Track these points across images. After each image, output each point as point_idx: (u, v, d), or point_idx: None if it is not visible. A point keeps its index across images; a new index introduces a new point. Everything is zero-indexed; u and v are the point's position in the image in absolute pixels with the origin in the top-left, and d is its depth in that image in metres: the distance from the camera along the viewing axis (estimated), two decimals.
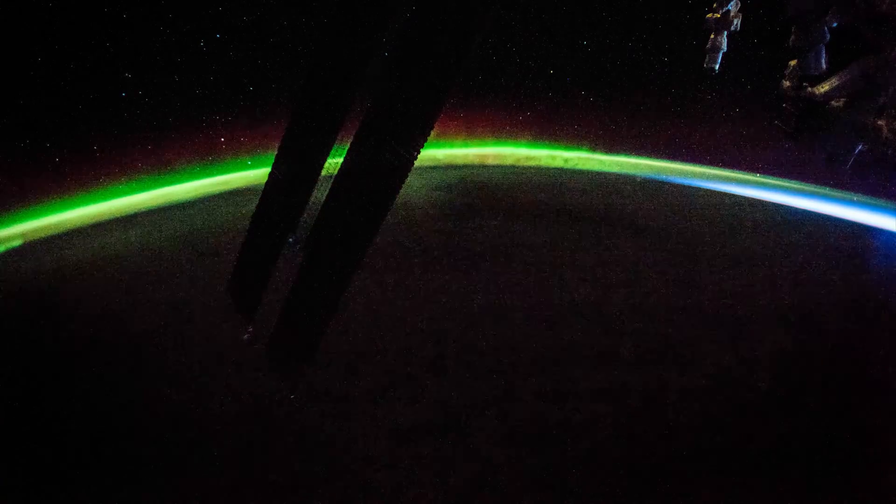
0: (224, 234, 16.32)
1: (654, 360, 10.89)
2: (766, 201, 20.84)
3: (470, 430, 9.05)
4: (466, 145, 24.34)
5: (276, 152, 5.13)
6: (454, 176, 22.57)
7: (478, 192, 20.83)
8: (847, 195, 19.48)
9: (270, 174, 5.11)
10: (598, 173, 23.64)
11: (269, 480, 8.12)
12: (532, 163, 24.49)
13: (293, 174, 4.84)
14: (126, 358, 11.04)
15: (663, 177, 23.04)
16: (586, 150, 23.88)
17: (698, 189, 22.09)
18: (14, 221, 16.61)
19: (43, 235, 16.75)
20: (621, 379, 10.30)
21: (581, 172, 23.79)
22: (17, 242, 16.22)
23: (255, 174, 19.97)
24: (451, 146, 24.03)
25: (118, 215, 18.07)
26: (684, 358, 10.98)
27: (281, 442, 8.71)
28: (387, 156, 3.98)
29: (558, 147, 24.22)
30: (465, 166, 24.09)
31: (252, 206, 5.38)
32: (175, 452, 8.72)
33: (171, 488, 8.12)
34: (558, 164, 24.30)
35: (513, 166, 24.45)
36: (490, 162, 24.56)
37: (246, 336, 4.86)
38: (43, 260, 15.56)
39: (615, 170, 23.65)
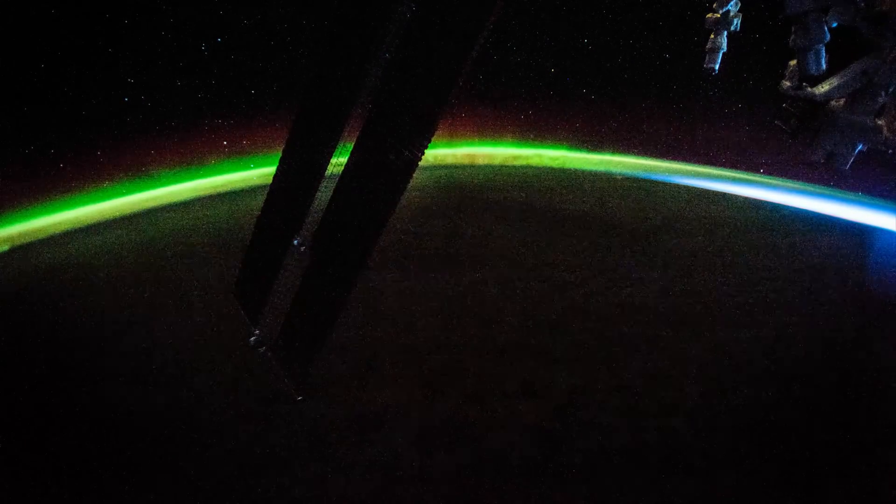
0: (227, 235, 16.38)
1: (585, 360, 10.94)
2: (749, 199, 20.80)
3: (389, 430, 9.14)
4: (457, 145, 24.39)
5: (279, 154, 5.16)
6: (432, 177, 22.58)
7: (448, 192, 20.87)
8: (847, 195, 19.50)
9: (275, 176, 5.14)
10: (583, 171, 23.62)
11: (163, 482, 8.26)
12: (520, 161, 24.51)
13: (298, 176, 4.86)
14: (125, 359, 11.06)
15: (646, 175, 22.97)
16: (575, 149, 23.88)
17: (683, 187, 22.05)
18: (6, 224, 16.63)
19: (43, 236, 16.77)
20: (549, 378, 10.36)
21: (565, 171, 23.78)
22: (4, 248, 16.21)
23: (257, 174, 20.03)
24: (442, 146, 24.05)
25: (119, 215, 18.11)
26: (617, 357, 11.01)
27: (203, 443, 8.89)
28: (391, 156, 4.01)
29: (548, 146, 24.25)
30: (453, 166, 24.13)
31: (255, 206, 5.43)
32: (170, 453, 8.79)
33: (161, 489, 8.20)
34: (545, 162, 24.33)
35: (500, 165, 24.48)
36: (480, 161, 24.59)
37: (252, 338, 4.88)
38: (39, 261, 15.59)
39: (601, 168, 23.62)
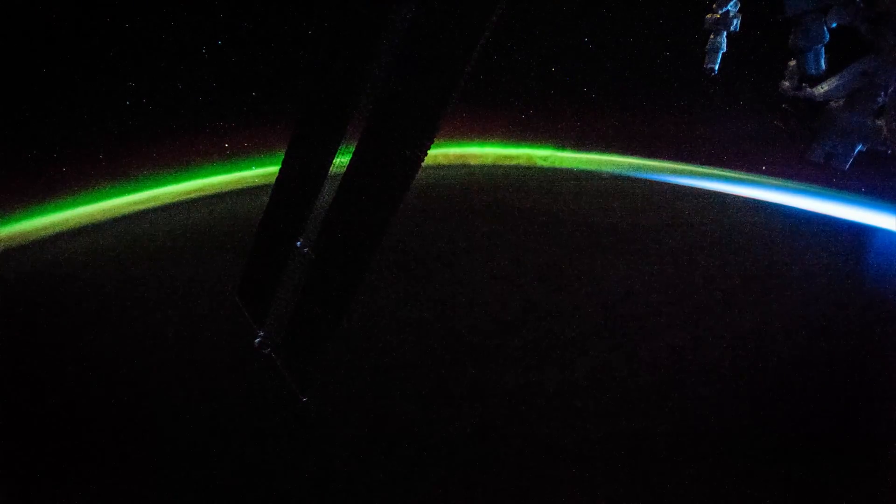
0: (229, 236, 16.30)
1: (537, 359, 10.86)
2: (746, 198, 20.57)
3: (330, 427, 9.17)
4: (449, 145, 24.26)
5: (281, 156, 5.18)
6: (420, 177, 22.20)
7: (428, 193, 20.58)
8: (847, 195, 19.48)
9: (277, 178, 5.16)
10: (571, 171, 23.22)
11: None
12: (510, 161, 24.36)
13: (300, 177, 4.88)
14: (126, 359, 11.04)
15: (636, 173, 22.69)
16: (565, 149, 23.65)
17: (675, 186, 21.62)
18: (7, 225, 16.59)
19: (43, 236, 16.74)
20: (497, 378, 10.33)
21: (553, 170, 23.37)
22: None
23: (258, 175, 20.01)
24: (434, 146, 23.83)
25: (119, 215, 18.08)
26: (569, 356, 10.91)
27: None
28: (393, 157, 4.03)
29: (539, 146, 24.04)
30: (445, 166, 23.93)
31: (257, 206, 5.45)
32: (170, 454, 8.83)
33: (161, 488, 8.25)
34: (536, 162, 24.12)
35: (491, 166, 24.27)
36: (472, 161, 24.43)
37: (257, 340, 4.89)
38: (39, 261, 15.56)
39: (590, 167, 23.31)
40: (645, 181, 22.17)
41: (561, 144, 23.23)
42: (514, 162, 24.50)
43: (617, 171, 22.91)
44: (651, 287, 13.41)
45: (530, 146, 24.15)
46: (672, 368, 10.56)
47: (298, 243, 4.68)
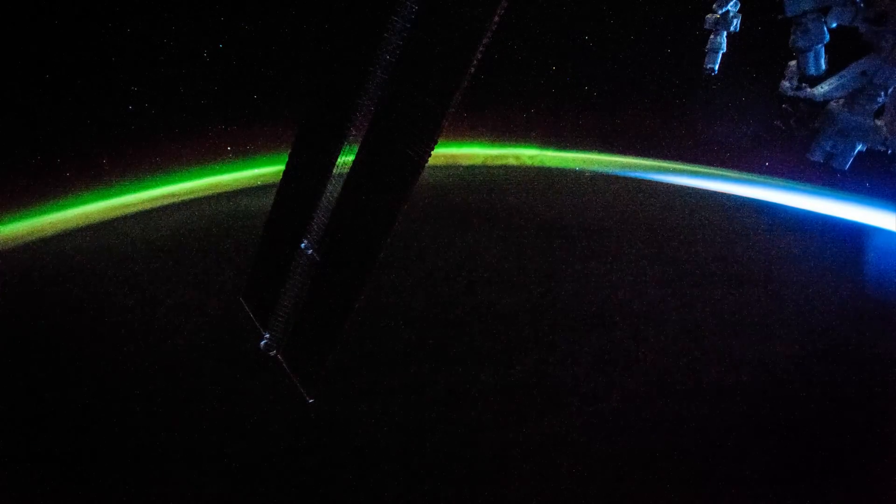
0: (232, 238, 16.31)
1: (476, 360, 10.80)
2: (742, 198, 20.53)
3: (256, 427, 9.25)
4: (441, 145, 24.09)
5: (284, 158, 5.21)
6: None
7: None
8: (847, 195, 19.49)
9: (282, 179, 5.18)
10: (558, 170, 22.89)
11: None
12: (499, 161, 24.24)
13: (304, 179, 4.91)
14: (129, 360, 11.05)
15: (623, 172, 22.52)
16: (553, 148, 23.48)
17: (666, 185, 21.36)
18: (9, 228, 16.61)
19: (43, 237, 16.74)
20: (433, 377, 10.30)
21: (539, 169, 23.05)
22: None
23: (260, 177, 20.04)
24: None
25: (121, 215, 18.07)
26: (504, 356, 10.85)
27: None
28: (396, 157, 4.05)
29: (528, 146, 23.90)
30: (437, 167, 23.75)
31: (260, 207, 5.48)
32: (172, 454, 8.86)
33: (164, 488, 8.31)
34: (524, 161, 23.99)
35: (480, 165, 24.11)
36: (463, 162, 24.32)
37: (262, 342, 4.91)
38: (38, 262, 15.55)
39: (575, 166, 23.08)
40: (642, 181, 22.14)
41: (552, 144, 23.17)
42: (503, 162, 24.48)
43: (610, 170, 22.87)
44: (644, 286, 13.31)
45: (520, 146, 24.11)
46: (664, 370, 10.54)
47: (303, 245, 4.70)
